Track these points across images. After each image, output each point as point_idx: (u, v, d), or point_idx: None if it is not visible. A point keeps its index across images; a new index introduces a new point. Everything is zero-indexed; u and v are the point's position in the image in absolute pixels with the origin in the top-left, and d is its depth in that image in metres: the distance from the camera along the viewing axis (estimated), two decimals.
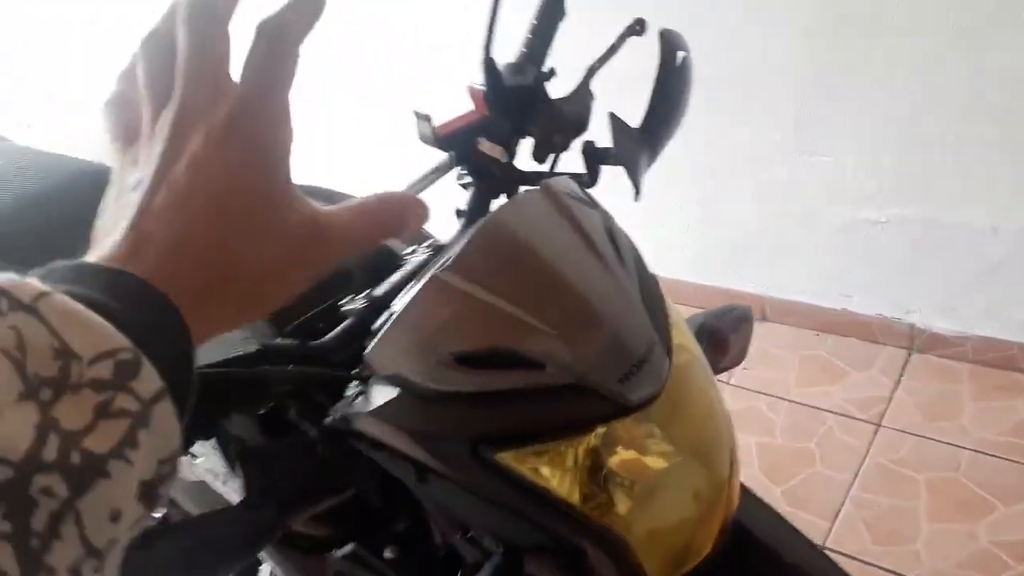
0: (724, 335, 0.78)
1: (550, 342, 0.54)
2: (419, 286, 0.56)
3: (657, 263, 0.65)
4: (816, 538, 1.53)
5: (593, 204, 0.63)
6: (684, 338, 0.62)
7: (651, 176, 0.74)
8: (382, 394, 0.57)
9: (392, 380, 0.56)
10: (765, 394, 1.92)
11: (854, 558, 1.51)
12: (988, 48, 1.55)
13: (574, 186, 0.64)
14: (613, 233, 0.62)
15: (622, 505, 0.58)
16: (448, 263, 0.55)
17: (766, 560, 0.67)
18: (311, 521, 0.79)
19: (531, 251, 0.57)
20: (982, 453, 1.68)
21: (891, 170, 1.79)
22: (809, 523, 1.58)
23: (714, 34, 1.72)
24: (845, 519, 1.59)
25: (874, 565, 1.50)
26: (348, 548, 0.78)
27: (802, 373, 1.97)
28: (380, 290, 0.67)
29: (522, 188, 0.74)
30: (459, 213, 0.76)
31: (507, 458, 0.55)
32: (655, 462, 0.59)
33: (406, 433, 0.57)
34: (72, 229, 1.18)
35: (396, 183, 0.59)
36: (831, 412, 1.84)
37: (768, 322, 2.14)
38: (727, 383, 1.95)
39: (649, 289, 0.61)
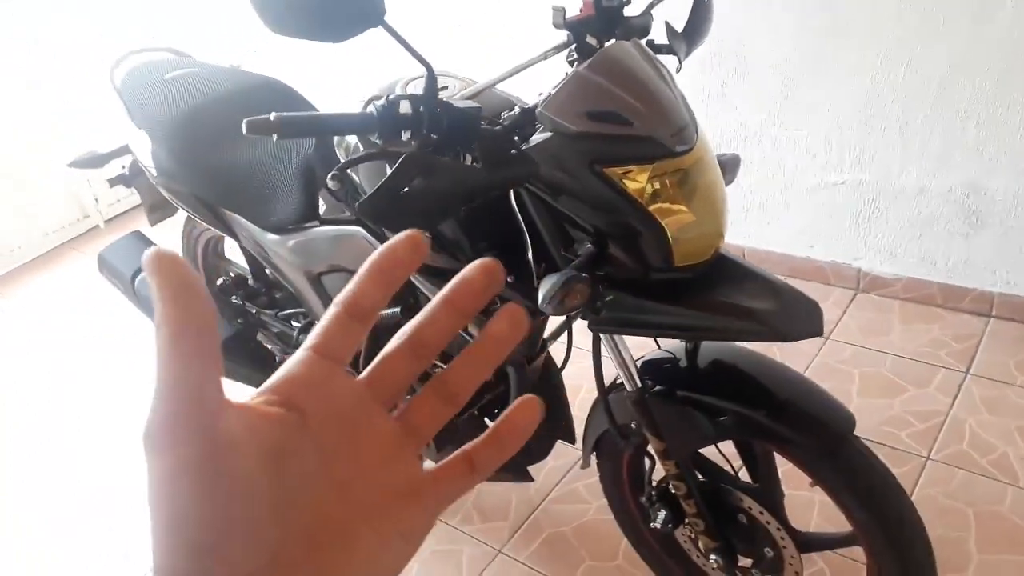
0: (723, 164, 1.28)
1: (637, 111, 1.04)
2: (567, 77, 1.05)
3: None
4: None
5: (657, 55, 1.13)
6: (705, 139, 1.12)
7: None
8: (543, 136, 1.06)
9: (552, 126, 1.05)
10: None
11: None
12: (921, 48, 2.08)
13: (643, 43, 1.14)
14: (669, 72, 1.12)
15: (663, 212, 1.07)
16: (585, 65, 1.05)
17: (738, 271, 1.15)
18: (453, 254, 1.27)
19: (630, 65, 1.07)
20: (903, 357, 2.18)
21: (850, 143, 2.31)
22: None
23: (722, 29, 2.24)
24: None
25: None
26: None
27: None
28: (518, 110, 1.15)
29: None
30: (571, 64, 1.25)
31: (609, 172, 1.04)
32: (679, 210, 1.09)
33: (552, 158, 1.05)
34: (219, 137, 1.73)
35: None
36: None
37: None
38: None
39: (687, 104, 1.11)
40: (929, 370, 2.13)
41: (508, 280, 1.26)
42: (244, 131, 0.97)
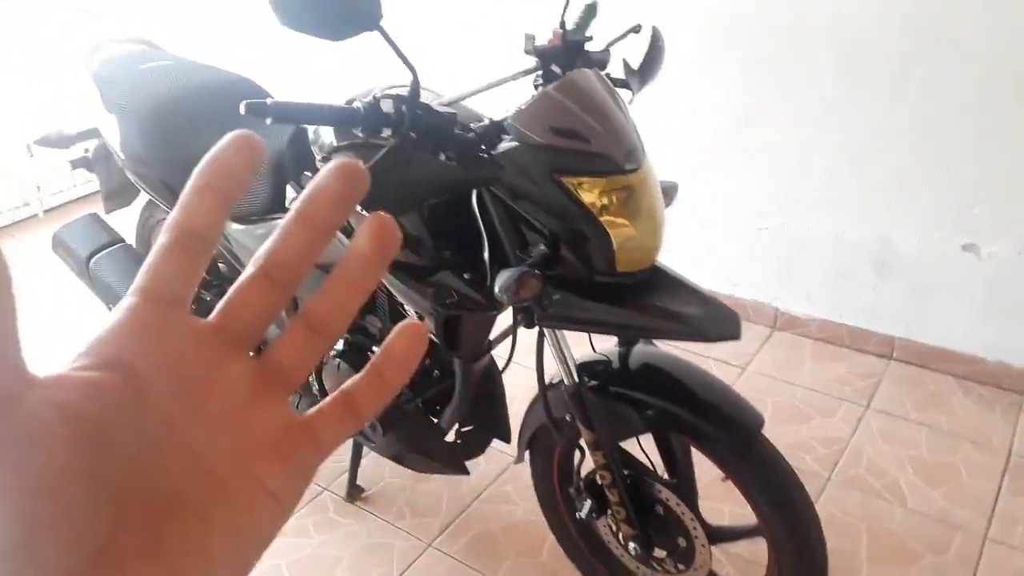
0: (664, 189, 1.43)
1: (595, 131, 1.18)
2: (535, 96, 1.19)
3: None
4: None
5: (613, 84, 1.28)
6: (650, 163, 1.27)
7: None
8: (510, 144, 1.19)
9: (519, 136, 1.18)
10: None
11: None
12: (849, 114, 2.31)
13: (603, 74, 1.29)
14: (624, 101, 1.27)
15: (610, 224, 1.20)
16: (553, 86, 1.19)
17: (671, 281, 1.29)
18: (416, 251, 1.38)
19: (591, 90, 1.21)
20: (811, 390, 2.38)
21: (779, 191, 2.52)
22: None
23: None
24: None
25: None
26: (439, 275, 1.38)
27: None
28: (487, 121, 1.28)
29: None
30: (536, 88, 1.39)
31: (566, 181, 1.17)
32: (623, 223, 1.23)
33: (517, 165, 1.18)
34: (192, 127, 1.85)
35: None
36: (711, 358, 2.51)
37: None
38: None
39: (637, 131, 1.26)
40: (834, 402, 2.33)
41: (466, 276, 1.38)
42: (242, 111, 1.07)
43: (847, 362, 2.51)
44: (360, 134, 1.17)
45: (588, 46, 1.41)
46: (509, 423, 1.73)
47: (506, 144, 1.19)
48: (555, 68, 1.40)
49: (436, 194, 1.21)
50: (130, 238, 2.20)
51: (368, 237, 0.29)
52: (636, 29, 1.47)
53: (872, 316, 2.52)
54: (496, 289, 1.18)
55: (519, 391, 1.74)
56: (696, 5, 2.41)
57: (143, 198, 2.16)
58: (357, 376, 0.30)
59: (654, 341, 1.48)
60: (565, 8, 1.37)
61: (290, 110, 1.11)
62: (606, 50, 1.43)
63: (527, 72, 1.40)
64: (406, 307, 1.52)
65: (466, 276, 1.37)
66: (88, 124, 2.03)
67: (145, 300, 0.27)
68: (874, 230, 2.40)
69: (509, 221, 1.27)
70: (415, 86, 1.14)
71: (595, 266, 1.22)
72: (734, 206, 2.62)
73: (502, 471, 2.11)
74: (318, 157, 1.48)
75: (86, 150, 2.11)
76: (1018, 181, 2.15)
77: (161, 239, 0.27)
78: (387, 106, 1.15)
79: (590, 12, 1.46)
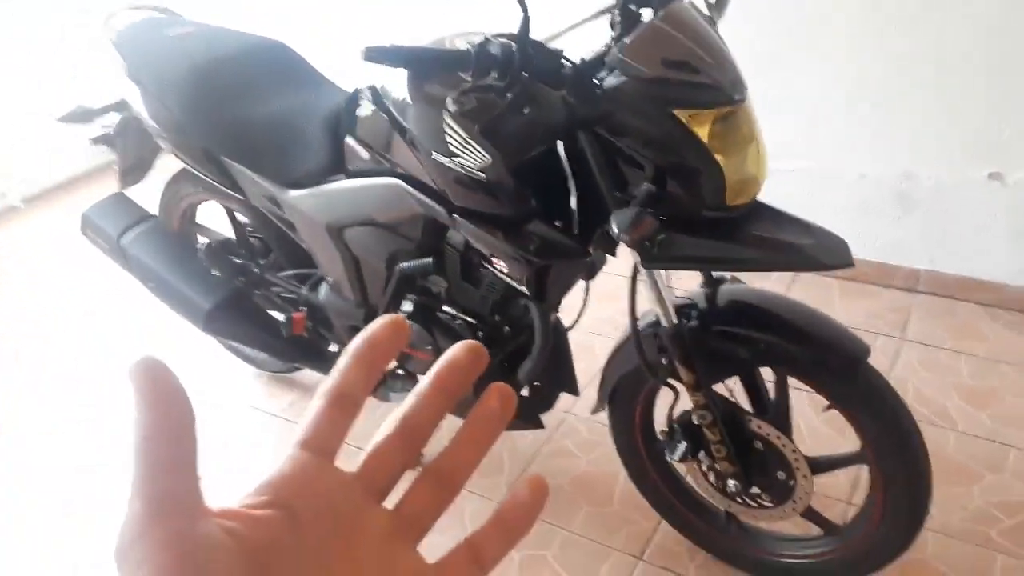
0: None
1: (705, 61, 1.16)
2: (642, 28, 1.16)
3: None
4: None
5: (711, 12, 1.26)
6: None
7: None
8: (618, 79, 1.16)
9: (627, 70, 1.15)
10: None
11: None
12: (865, 51, 2.32)
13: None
14: (719, 31, 1.24)
15: (721, 155, 1.19)
16: (659, 17, 1.16)
17: (774, 214, 1.28)
18: (506, 202, 1.35)
19: (695, 21, 1.19)
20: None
21: (801, 130, 2.53)
22: None
23: None
24: None
25: None
26: (531, 225, 1.35)
27: None
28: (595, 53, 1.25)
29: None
30: (613, 27, 1.35)
31: (680, 114, 1.15)
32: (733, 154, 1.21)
33: (627, 99, 1.16)
34: (235, 93, 1.80)
35: None
36: None
37: None
38: None
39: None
40: (871, 337, 2.36)
41: (556, 224, 1.35)
42: (362, 58, 1.02)
43: (875, 298, 2.55)
44: (468, 78, 1.13)
45: None
46: (575, 376, 1.73)
47: (615, 78, 1.16)
48: (631, 6, 1.37)
49: (555, 135, 1.18)
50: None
51: (495, 401, 0.34)
52: None
53: (897, 250, 2.56)
54: (615, 230, 1.16)
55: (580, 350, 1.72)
56: None
57: (162, 175, 2.08)
58: (482, 528, 0.34)
59: (739, 277, 1.48)
60: None
61: (406, 53, 1.07)
62: None
63: (605, 11, 1.37)
64: (486, 261, 1.49)
65: (557, 224, 1.35)
66: (109, 99, 1.94)
67: (305, 451, 0.31)
68: (897, 165, 2.43)
69: (607, 161, 1.25)
70: (526, 24, 1.10)
71: (705, 200, 1.21)
72: None
73: (558, 425, 2.11)
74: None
75: (104, 127, 2.02)
76: None
77: (319, 401, 0.32)
78: (495, 47, 1.11)
79: None
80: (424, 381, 0.33)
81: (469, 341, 0.34)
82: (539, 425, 1.72)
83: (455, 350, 0.34)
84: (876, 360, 2.24)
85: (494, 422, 0.34)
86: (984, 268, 2.46)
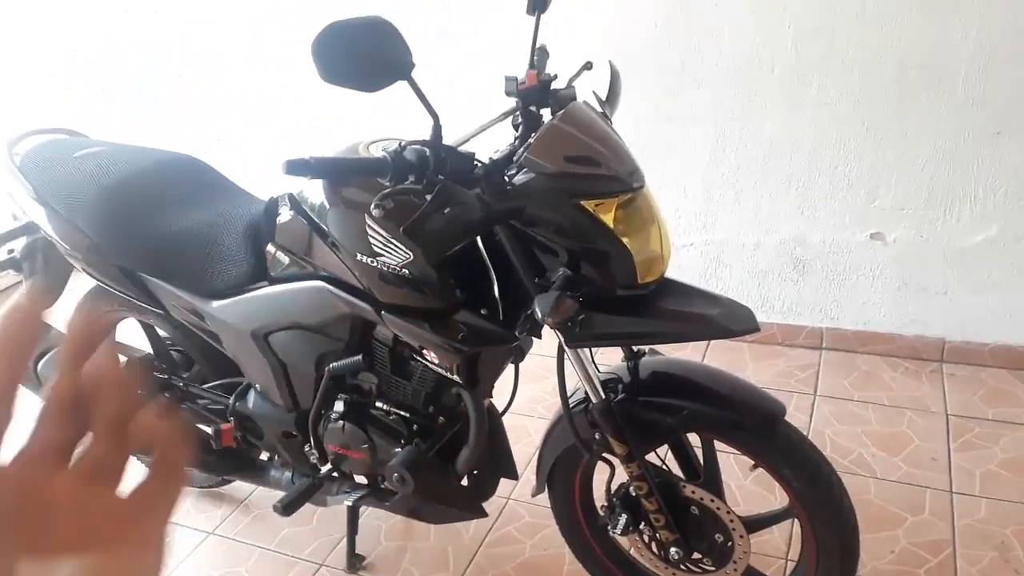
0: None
1: (603, 155, 1.25)
2: (544, 129, 1.25)
3: None
4: None
5: (603, 109, 1.37)
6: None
7: None
8: (527, 176, 1.24)
9: (534, 168, 1.23)
10: None
11: None
12: (750, 127, 2.53)
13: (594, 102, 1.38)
14: (614, 126, 1.35)
15: (627, 238, 1.27)
16: (558, 118, 1.26)
17: (682, 288, 1.37)
18: (433, 295, 1.40)
19: (591, 118, 1.29)
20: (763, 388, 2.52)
21: (695, 210, 2.70)
22: None
23: None
24: None
25: None
26: (459, 315, 1.40)
27: None
28: (501, 153, 1.34)
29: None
30: (516, 127, 1.45)
31: (586, 204, 1.24)
32: (637, 237, 1.30)
33: (536, 194, 1.24)
34: (148, 209, 1.84)
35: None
36: None
37: None
38: None
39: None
40: (785, 396, 2.47)
41: (483, 313, 1.40)
42: (284, 171, 1.07)
43: (784, 358, 2.70)
44: (387, 183, 1.19)
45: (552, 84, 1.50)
46: (514, 460, 1.75)
47: (524, 176, 1.25)
48: (531, 108, 1.47)
49: (474, 230, 1.24)
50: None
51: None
52: (588, 66, 1.56)
53: (798, 311, 2.72)
54: (538, 314, 1.21)
55: (516, 435, 1.76)
56: (602, 44, 2.59)
57: (75, 292, 2.04)
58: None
59: (657, 349, 1.55)
60: (532, 52, 1.46)
61: (326, 165, 1.12)
62: (570, 86, 1.52)
63: (508, 113, 1.47)
64: (416, 354, 1.52)
65: (483, 312, 1.40)
66: (12, 223, 1.91)
67: None
68: (788, 232, 2.62)
69: (523, 251, 1.32)
70: (437, 131, 1.18)
71: (618, 280, 1.28)
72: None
73: (500, 512, 2.10)
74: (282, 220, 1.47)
75: (10, 251, 1.98)
76: (910, 170, 2.41)
77: None
78: (411, 153, 1.18)
79: (544, 54, 1.55)
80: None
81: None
82: (482, 514, 1.72)
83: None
84: (793, 416, 2.37)
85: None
86: (877, 321, 2.64)
